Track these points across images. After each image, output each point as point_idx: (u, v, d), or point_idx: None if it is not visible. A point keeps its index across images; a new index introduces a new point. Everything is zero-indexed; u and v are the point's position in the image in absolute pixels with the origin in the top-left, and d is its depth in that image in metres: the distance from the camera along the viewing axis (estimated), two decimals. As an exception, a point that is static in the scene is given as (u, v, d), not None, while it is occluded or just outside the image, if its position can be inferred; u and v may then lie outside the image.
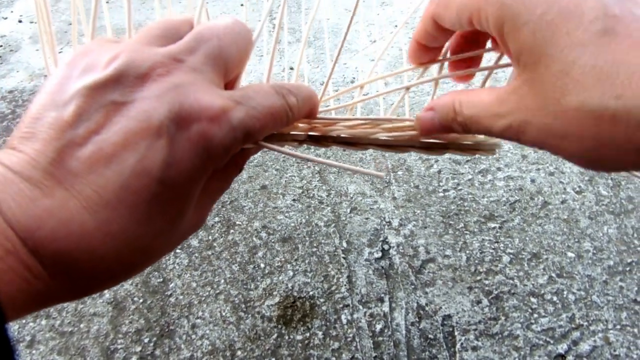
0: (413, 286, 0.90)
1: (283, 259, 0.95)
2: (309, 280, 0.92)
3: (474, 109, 0.30)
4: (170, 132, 0.25)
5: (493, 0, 0.26)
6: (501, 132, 0.28)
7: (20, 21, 1.75)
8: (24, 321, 0.88)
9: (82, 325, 0.87)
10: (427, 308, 0.87)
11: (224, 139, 0.27)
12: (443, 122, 0.33)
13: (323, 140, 0.38)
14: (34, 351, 0.84)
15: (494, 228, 0.99)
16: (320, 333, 0.84)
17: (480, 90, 0.31)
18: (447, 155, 1.14)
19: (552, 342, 0.82)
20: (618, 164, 0.24)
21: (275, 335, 0.85)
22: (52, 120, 0.24)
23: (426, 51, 0.38)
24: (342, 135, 0.38)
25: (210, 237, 1.00)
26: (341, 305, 0.88)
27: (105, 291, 0.92)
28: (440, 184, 1.08)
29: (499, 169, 1.10)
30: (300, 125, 0.37)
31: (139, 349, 0.84)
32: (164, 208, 0.25)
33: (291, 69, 1.51)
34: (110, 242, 0.24)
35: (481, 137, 0.41)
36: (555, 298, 0.88)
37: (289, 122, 0.32)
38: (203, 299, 0.90)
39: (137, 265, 0.27)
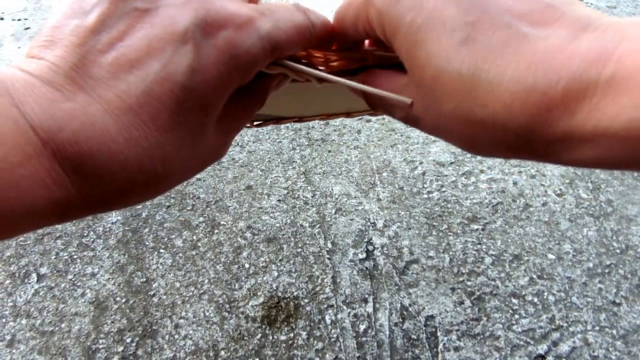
0: (397, 287, 0.91)
1: (268, 260, 0.95)
2: (293, 280, 0.92)
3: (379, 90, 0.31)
4: (196, 38, 0.24)
5: (374, 9, 0.27)
6: (400, 119, 0.30)
7: (2, 18, 1.72)
8: (3, 320, 0.87)
9: (63, 325, 0.86)
10: (410, 309, 0.88)
11: (252, 48, 0.26)
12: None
13: (343, 75, 0.37)
14: (14, 350, 0.83)
15: (477, 230, 1.00)
16: (304, 333, 0.85)
17: (391, 75, 0.31)
18: (431, 158, 1.15)
19: (532, 342, 0.84)
20: (496, 154, 0.27)
21: (259, 335, 0.85)
22: (73, 27, 0.23)
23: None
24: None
25: (194, 237, 0.99)
26: (325, 306, 0.88)
27: (87, 290, 0.91)
28: (425, 185, 1.09)
29: (482, 171, 1.12)
30: (316, 57, 0.35)
31: (121, 349, 0.83)
32: (187, 117, 0.25)
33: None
34: (132, 148, 0.23)
35: None
36: (535, 299, 0.89)
37: (311, 41, 0.31)
38: (186, 299, 0.90)
39: (157, 179, 0.26)
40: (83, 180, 0.23)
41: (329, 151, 1.17)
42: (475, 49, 0.23)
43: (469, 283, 0.92)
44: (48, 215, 0.23)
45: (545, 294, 0.90)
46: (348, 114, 0.52)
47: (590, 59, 0.21)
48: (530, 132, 0.23)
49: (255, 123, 0.49)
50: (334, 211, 1.04)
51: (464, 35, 0.23)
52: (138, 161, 0.24)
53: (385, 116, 1.27)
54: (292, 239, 0.99)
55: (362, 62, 0.34)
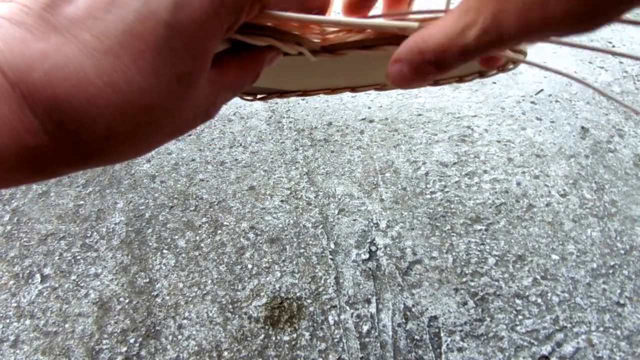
0: (400, 287, 0.91)
1: (271, 260, 0.95)
2: (296, 281, 0.92)
3: (440, 36, 0.26)
4: None
5: None
6: (479, 41, 0.25)
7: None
8: (7, 321, 0.87)
9: (66, 326, 0.86)
10: (413, 309, 0.88)
11: None
12: (414, 69, 0.29)
13: (339, 49, 0.33)
14: (17, 351, 0.83)
15: (480, 230, 1.00)
16: (307, 334, 0.85)
17: (437, 20, 0.27)
18: (434, 158, 1.15)
19: (536, 343, 0.83)
20: (612, 9, 0.21)
21: (262, 336, 0.85)
22: None
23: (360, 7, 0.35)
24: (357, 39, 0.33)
25: (197, 238, 0.99)
26: (328, 306, 0.88)
27: (91, 291, 0.91)
28: (428, 186, 1.09)
29: (485, 171, 1.11)
30: (307, 17, 0.33)
31: (124, 349, 0.83)
32: (173, 60, 0.22)
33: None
34: (112, 93, 0.21)
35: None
36: (539, 300, 0.89)
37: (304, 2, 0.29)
38: (190, 299, 0.90)
39: (139, 131, 0.24)
40: (57, 126, 0.21)
41: (332, 151, 1.17)
42: None
43: (472, 284, 0.91)
44: (20, 167, 0.21)
45: (549, 294, 0.90)
46: (353, 89, 0.50)
47: None
48: None
49: (259, 96, 0.48)
50: (336, 212, 1.04)
51: None
52: (119, 107, 0.22)
53: (387, 117, 1.27)
54: (295, 240, 0.99)
55: (363, 35, 0.32)
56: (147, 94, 0.22)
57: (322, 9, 0.32)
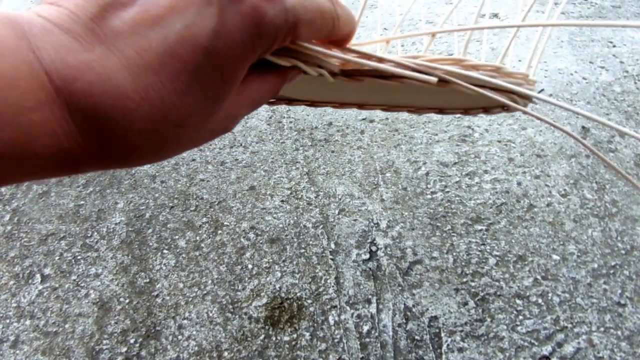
0: (400, 288, 0.91)
1: (271, 260, 0.95)
2: (296, 281, 0.92)
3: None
4: (221, 1, 0.23)
5: None
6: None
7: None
8: (7, 321, 0.87)
9: (67, 326, 0.86)
10: (414, 309, 0.88)
11: (275, 19, 0.25)
12: None
13: (357, 75, 0.35)
14: (17, 351, 0.83)
15: (481, 230, 1.00)
16: (307, 334, 0.85)
17: None
18: (434, 158, 1.15)
19: (536, 343, 0.83)
20: None
21: (263, 336, 0.85)
22: None
23: None
24: (380, 67, 0.35)
25: (197, 238, 0.99)
26: (329, 307, 0.88)
27: (91, 291, 0.91)
28: (428, 186, 1.09)
29: (485, 171, 1.11)
30: (333, 53, 0.34)
31: (124, 349, 0.83)
32: (206, 83, 0.24)
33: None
34: (146, 107, 0.23)
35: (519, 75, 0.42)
36: (540, 300, 0.89)
37: (333, 32, 0.31)
38: (190, 299, 0.90)
39: (167, 142, 0.25)
40: (93, 134, 0.22)
41: (332, 151, 1.17)
42: None
43: (472, 284, 0.91)
44: (52, 164, 0.22)
45: (550, 294, 0.90)
46: (361, 106, 0.52)
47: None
48: None
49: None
50: (337, 212, 1.04)
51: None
52: (151, 121, 0.23)
53: (388, 116, 1.27)
54: (296, 240, 0.99)
55: (378, 64, 0.34)
56: (178, 111, 0.24)
57: (346, 39, 0.34)
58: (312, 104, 0.52)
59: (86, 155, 0.23)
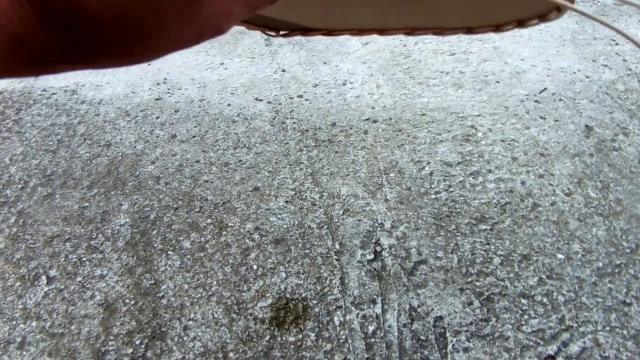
0: (405, 288, 0.91)
1: (276, 261, 0.95)
2: (301, 282, 0.92)
3: None
4: None
5: None
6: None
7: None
8: (14, 322, 0.87)
9: (72, 327, 0.87)
10: (419, 309, 0.88)
11: None
12: None
13: None
14: (24, 353, 0.83)
15: (485, 230, 1.00)
16: (312, 335, 0.85)
17: None
18: (438, 158, 1.15)
19: (542, 343, 0.83)
20: None
21: (268, 337, 0.85)
22: None
23: None
24: None
25: (202, 239, 1.00)
26: (334, 307, 0.88)
27: (96, 292, 0.92)
28: (432, 186, 1.09)
29: (489, 171, 1.11)
30: None
31: (130, 350, 0.83)
32: None
33: (283, 70, 1.51)
34: None
35: None
36: (545, 299, 0.89)
37: None
38: (195, 300, 0.90)
39: (144, 35, 0.22)
40: (53, 20, 0.19)
41: (336, 152, 1.17)
42: None
43: (477, 283, 0.91)
44: (15, 57, 0.20)
45: (555, 294, 0.90)
46: (381, 31, 0.47)
47: None
48: None
49: (282, 33, 0.46)
50: (341, 212, 1.04)
51: None
52: (121, 5, 0.20)
53: (391, 117, 1.27)
54: (300, 240, 0.99)
55: None
56: None
57: None
58: (329, 33, 0.47)
59: (51, 46, 0.20)
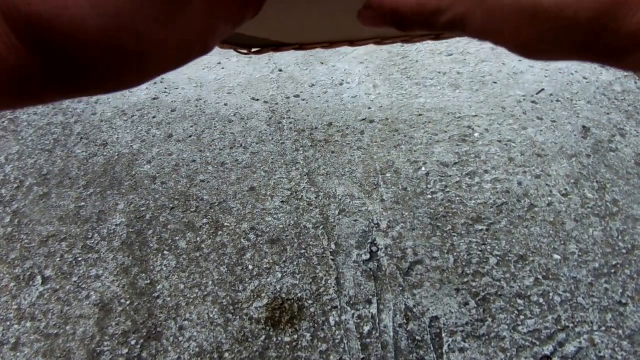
0: (401, 288, 0.91)
1: (271, 261, 0.95)
2: (297, 282, 0.92)
3: (414, 5, 0.27)
4: None
5: None
6: (444, 26, 0.27)
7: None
8: (8, 323, 0.87)
9: (67, 328, 0.86)
10: (415, 310, 0.88)
11: None
12: (377, 18, 0.29)
13: None
14: (18, 354, 0.83)
15: (481, 230, 1.00)
16: (308, 335, 0.84)
17: None
18: (435, 158, 1.15)
19: (538, 343, 0.83)
20: (556, 56, 0.24)
21: (264, 337, 0.84)
22: None
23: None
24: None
25: (198, 239, 0.99)
26: (329, 307, 0.88)
27: (92, 293, 0.91)
28: (429, 186, 1.08)
29: (486, 171, 1.11)
30: None
31: (125, 351, 0.83)
32: None
33: (280, 70, 1.51)
34: (98, 17, 0.20)
35: None
36: (541, 300, 0.89)
37: None
38: (191, 300, 0.90)
39: (130, 58, 0.22)
40: (39, 47, 0.20)
41: (333, 152, 1.17)
42: None
43: (473, 284, 0.91)
44: (5, 88, 0.20)
45: (551, 294, 0.90)
46: (352, 42, 0.47)
47: None
48: (601, 26, 0.21)
49: (254, 50, 0.46)
50: (337, 212, 1.04)
51: None
52: (105, 32, 0.20)
53: (388, 117, 1.27)
54: (296, 241, 0.99)
55: None
56: (135, 19, 0.21)
57: None
58: (301, 47, 0.47)
59: (42, 75, 0.21)
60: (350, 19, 0.42)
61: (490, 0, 0.23)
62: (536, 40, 0.23)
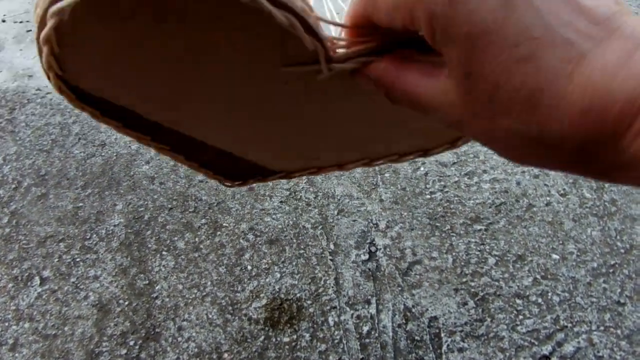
0: (400, 288, 0.91)
1: (270, 261, 0.95)
2: (296, 282, 0.92)
3: (423, 95, 0.29)
4: None
5: (425, 11, 0.25)
6: (438, 121, 0.29)
7: (3, 21, 1.73)
8: (6, 324, 0.87)
9: (66, 328, 0.86)
10: (413, 310, 0.88)
11: None
12: (378, 84, 0.32)
13: (350, 58, 0.30)
14: (16, 354, 0.83)
15: (480, 230, 1.00)
16: (307, 335, 0.84)
17: (426, 69, 0.29)
18: (433, 158, 1.15)
19: (536, 343, 0.83)
20: (545, 168, 0.27)
21: (262, 337, 0.84)
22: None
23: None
24: None
25: (196, 239, 0.99)
26: (328, 307, 0.88)
27: (90, 293, 0.91)
28: (427, 186, 1.08)
29: (484, 171, 1.11)
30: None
31: (124, 351, 0.83)
32: None
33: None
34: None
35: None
36: (540, 300, 0.89)
37: None
38: (189, 301, 0.90)
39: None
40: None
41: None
42: (538, 66, 0.23)
43: (472, 284, 0.91)
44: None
45: (550, 294, 0.90)
46: (340, 166, 0.47)
47: None
48: (586, 152, 0.23)
49: (237, 183, 0.46)
50: (336, 212, 1.04)
51: (527, 51, 0.23)
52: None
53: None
54: (295, 241, 0.98)
55: (372, 49, 0.30)
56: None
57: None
58: (287, 175, 0.47)
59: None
60: (339, 143, 0.42)
61: (484, 120, 0.26)
62: (527, 155, 0.26)
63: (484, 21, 0.23)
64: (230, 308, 0.88)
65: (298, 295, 0.90)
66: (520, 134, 0.25)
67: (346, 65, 0.30)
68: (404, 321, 0.86)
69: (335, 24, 0.30)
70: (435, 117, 0.29)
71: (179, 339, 0.84)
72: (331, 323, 0.86)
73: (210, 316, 0.87)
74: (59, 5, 0.24)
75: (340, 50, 0.30)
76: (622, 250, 0.96)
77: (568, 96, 0.22)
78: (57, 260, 0.97)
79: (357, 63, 0.30)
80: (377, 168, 1.13)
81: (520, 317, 0.87)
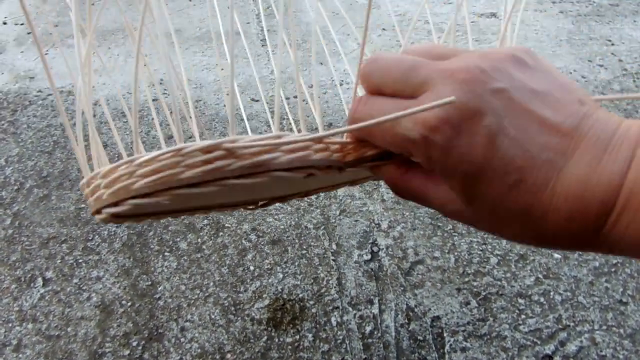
0: (402, 288, 0.91)
1: (272, 262, 0.95)
2: (298, 282, 0.92)
3: (433, 196, 0.35)
4: None
5: (421, 154, 0.31)
6: (449, 215, 0.36)
7: (5, 23, 1.73)
8: (10, 325, 0.87)
9: (69, 329, 0.86)
10: (416, 310, 0.88)
11: None
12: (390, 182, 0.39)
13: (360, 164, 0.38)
14: (20, 355, 0.83)
15: (482, 230, 1.00)
16: (310, 335, 0.85)
17: (423, 180, 0.35)
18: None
19: (539, 342, 0.83)
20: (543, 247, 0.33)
21: (265, 337, 0.85)
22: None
23: None
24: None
25: (199, 240, 0.99)
26: (331, 308, 0.88)
27: (93, 294, 0.91)
28: (429, 186, 1.08)
29: (486, 171, 1.11)
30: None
31: (127, 352, 0.83)
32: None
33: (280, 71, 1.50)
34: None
35: None
36: (542, 299, 0.89)
37: None
38: (192, 301, 0.90)
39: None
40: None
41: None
42: (526, 188, 0.28)
43: (474, 283, 0.91)
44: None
45: (552, 293, 0.90)
46: (307, 193, 0.52)
47: (613, 186, 0.26)
48: (576, 243, 0.29)
49: (260, 203, 0.50)
50: (338, 212, 1.04)
51: (515, 178, 0.28)
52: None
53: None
54: (297, 241, 0.99)
55: (379, 154, 0.36)
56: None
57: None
58: (256, 207, 0.52)
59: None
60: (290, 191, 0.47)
61: (487, 222, 0.32)
62: (526, 241, 0.31)
63: (476, 160, 0.28)
64: (232, 308, 0.88)
65: (300, 295, 0.90)
66: (520, 237, 0.31)
67: (357, 170, 0.36)
68: (406, 321, 0.86)
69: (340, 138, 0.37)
70: (442, 213, 0.35)
71: (182, 339, 0.85)
72: (334, 323, 0.86)
73: (213, 317, 0.87)
74: (98, 217, 0.34)
75: (350, 155, 0.36)
76: (624, 250, 0.96)
77: (553, 206, 0.27)
78: (59, 261, 0.97)
79: (366, 167, 0.36)
80: (378, 168, 1.13)
81: (523, 316, 0.87)
